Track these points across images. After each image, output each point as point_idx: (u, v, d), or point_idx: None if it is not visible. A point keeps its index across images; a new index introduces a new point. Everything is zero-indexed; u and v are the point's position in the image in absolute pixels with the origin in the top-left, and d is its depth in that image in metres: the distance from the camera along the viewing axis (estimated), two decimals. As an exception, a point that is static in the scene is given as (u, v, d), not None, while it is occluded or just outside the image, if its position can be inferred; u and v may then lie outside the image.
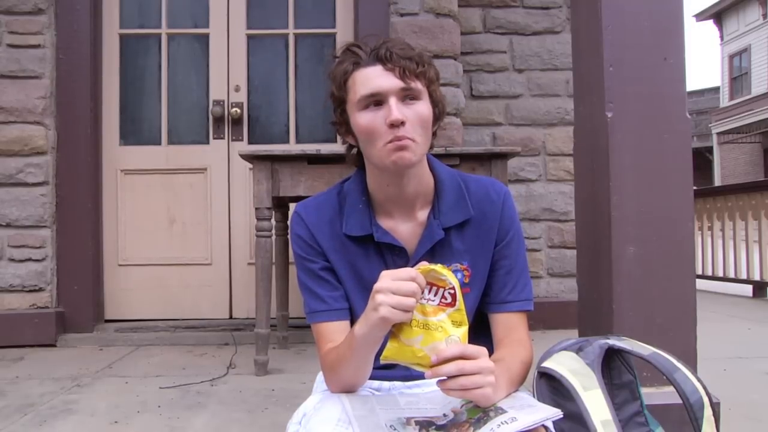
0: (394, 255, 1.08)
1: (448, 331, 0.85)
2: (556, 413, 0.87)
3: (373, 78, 1.01)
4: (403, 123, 0.99)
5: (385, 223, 1.09)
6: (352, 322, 1.03)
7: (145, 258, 3.29)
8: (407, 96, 1.01)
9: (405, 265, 1.04)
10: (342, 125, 1.10)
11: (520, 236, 1.13)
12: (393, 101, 1.00)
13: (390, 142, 1.00)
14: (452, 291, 0.86)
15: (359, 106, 1.02)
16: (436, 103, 1.07)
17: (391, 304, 0.85)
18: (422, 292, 0.87)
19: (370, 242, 1.08)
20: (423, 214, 1.09)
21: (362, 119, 1.02)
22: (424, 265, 0.88)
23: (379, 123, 1.01)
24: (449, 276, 0.87)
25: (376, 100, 1.01)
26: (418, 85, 1.02)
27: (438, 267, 0.87)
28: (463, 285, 1.06)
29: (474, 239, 1.09)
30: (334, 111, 1.10)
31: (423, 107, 1.03)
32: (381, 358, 0.88)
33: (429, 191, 1.10)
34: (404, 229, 1.09)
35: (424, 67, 1.03)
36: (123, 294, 3.28)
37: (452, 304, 0.86)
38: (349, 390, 1.04)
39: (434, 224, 1.07)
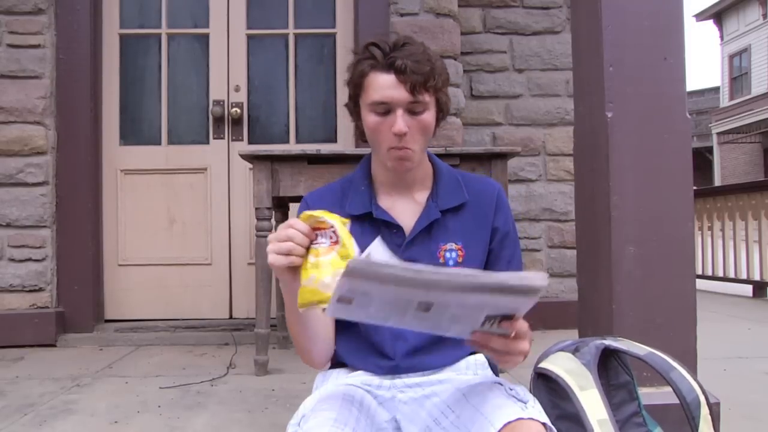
0: (392, 233, 1.15)
1: (336, 265, 0.89)
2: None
3: (384, 87, 1.07)
4: (405, 134, 1.07)
5: (385, 203, 1.17)
6: None
7: (145, 258, 3.29)
8: (414, 107, 1.08)
9: (401, 242, 1.14)
10: (354, 113, 1.17)
11: (516, 230, 1.23)
12: (400, 113, 1.07)
13: (392, 148, 1.10)
14: (334, 230, 0.92)
15: (369, 108, 1.10)
16: (442, 107, 1.14)
17: (273, 250, 0.92)
18: (315, 238, 0.92)
19: (369, 220, 1.15)
20: (422, 197, 1.18)
21: (371, 120, 1.10)
22: (306, 212, 0.94)
23: (385, 128, 1.09)
24: (328, 217, 0.92)
25: (386, 108, 1.08)
26: (425, 98, 1.08)
27: (317, 212, 0.93)
28: (455, 264, 1.14)
29: (469, 223, 1.17)
30: (348, 99, 1.17)
31: (427, 117, 1.10)
32: (298, 307, 0.92)
33: (427, 177, 1.19)
34: (403, 209, 1.17)
35: (435, 79, 1.08)
36: (123, 294, 3.28)
37: (338, 242, 0.91)
38: (320, 361, 1.14)
39: (432, 206, 1.16)
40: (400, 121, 1.07)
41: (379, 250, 0.97)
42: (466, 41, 3.37)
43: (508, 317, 0.87)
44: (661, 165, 1.57)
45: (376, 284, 0.82)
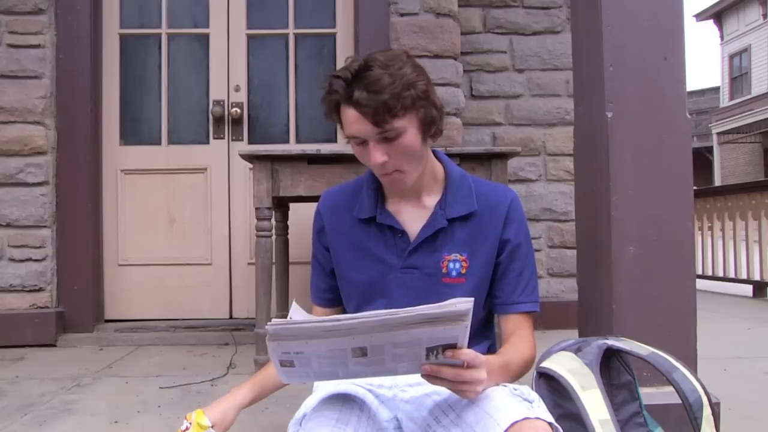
0: (396, 237, 1.15)
1: None
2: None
3: (351, 122, 1.04)
4: (385, 162, 1.05)
5: (393, 206, 1.17)
6: (342, 298, 1.24)
7: (145, 258, 3.29)
8: (387, 135, 1.04)
9: (406, 247, 1.14)
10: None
11: (529, 240, 1.19)
12: (372, 145, 1.05)
13: (381, 174, 1.10)
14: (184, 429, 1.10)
15: (348, 139, 1.08)
16: (427, 119, 1.07)
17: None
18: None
19: (375, 223, 1.16)
20: (431, 201, 1.16)
21: (354, 149, 1.10)
22: (201, 414, 1.12)
23: (366, 157, 1.08)
24: (198, 421, 1.10)
25: (361, 140, 1.06)
26: (394, 124, 1.02)
27: (198, 414, 1.11)
28: (458, 275, 1.14)
29: (476, 233, 1.15)
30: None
31: (406, 140, 1.05)
32: None
33: (437, 182, 1.17)
34: (410, 213, 1.16)
35: (400, 102, 1.01)
36: (123, 294, 3.28)
37: None
38: None
39: (439, 213, 1.14)
40: (374, 153, 1.04)
41: (298, 311, 0.99)
42: (466, 41, 3.37)
43: (451, 346, 0.86)
44: (661, 165, 1.56)
45: (303, 342, 0.86)
